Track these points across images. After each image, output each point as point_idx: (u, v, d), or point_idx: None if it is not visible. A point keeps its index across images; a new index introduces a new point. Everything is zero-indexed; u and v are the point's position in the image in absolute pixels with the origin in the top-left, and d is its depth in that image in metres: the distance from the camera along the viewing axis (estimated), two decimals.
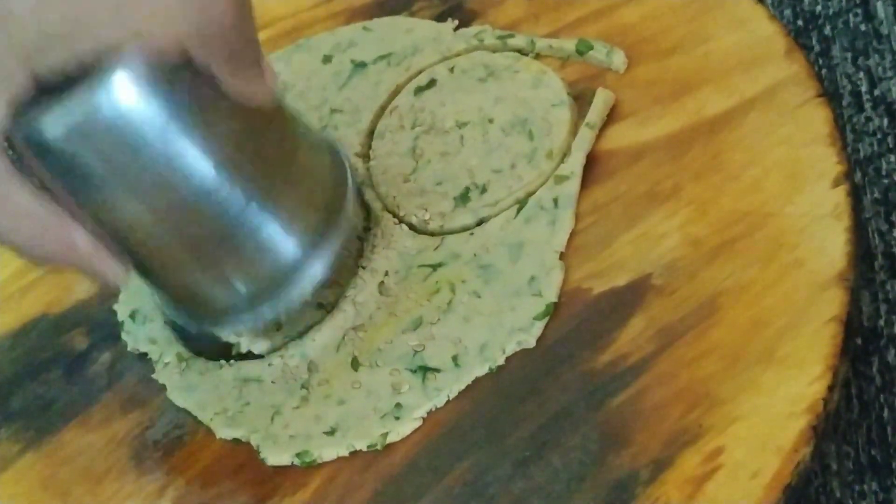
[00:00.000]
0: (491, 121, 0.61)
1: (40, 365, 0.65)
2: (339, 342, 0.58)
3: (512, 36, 0.65)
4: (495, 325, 0.55)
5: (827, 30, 0.72)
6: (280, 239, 0.57)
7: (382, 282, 0.59)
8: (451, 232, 0.59)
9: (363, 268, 0.59)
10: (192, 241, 0.55)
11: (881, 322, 0.61)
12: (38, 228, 0.51)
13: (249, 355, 0.60)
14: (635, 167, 0.58)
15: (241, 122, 0.53)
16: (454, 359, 0.55)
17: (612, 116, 0.60)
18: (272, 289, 0.57)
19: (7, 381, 0.65)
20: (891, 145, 0.67)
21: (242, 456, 0.57)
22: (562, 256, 0.56)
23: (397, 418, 0.55)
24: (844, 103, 0.69)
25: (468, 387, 0.54)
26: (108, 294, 0.65)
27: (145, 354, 0.62)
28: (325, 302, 0.59)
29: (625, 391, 0.51)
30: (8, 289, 0.69)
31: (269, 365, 0.59)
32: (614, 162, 0.58)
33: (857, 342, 0.61)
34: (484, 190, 0.59)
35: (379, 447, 0.54)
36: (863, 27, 0.71)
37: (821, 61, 0.71)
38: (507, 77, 0.63)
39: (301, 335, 0.59)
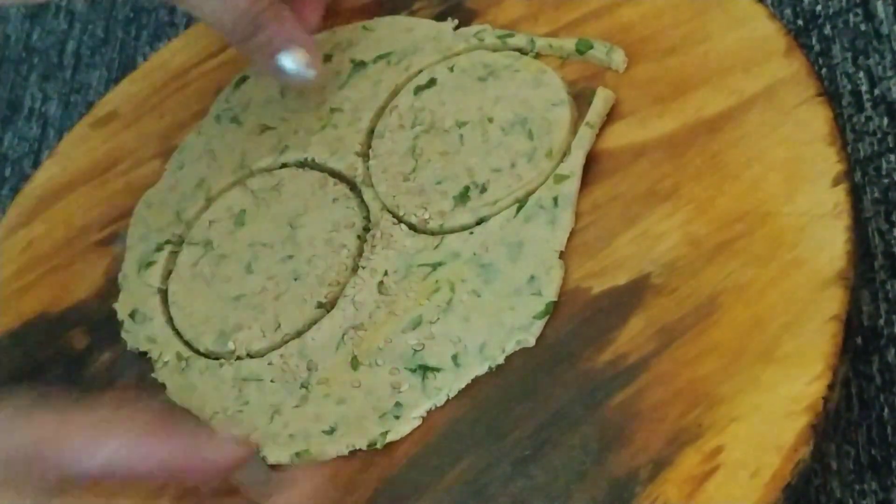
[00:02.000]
0: (491, 120, 0.61)
1: (40, 364, 0.65)
2: (338, 341, 0.58)
3: (512, 35, 0.65)
4: (495, 324, 0.55)
5: (827, 29, 0.72)
6: None
7: (382, 281, 0.59)
8: (451, 231, 0.59)
9: (363, 267, 0.59)
10: None
11: (881, 321, 0.61)
12: None
13: (249, 354, 0.60)
14: (635, 166, 0.58)
15: None
16: (454, 358, 0.55)
17: (611, 116, 0.60)
18: None
19: (6, 380, 0.65)
20: (891, 145, 0.67)
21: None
22: (561, 255, 0.56)
23: (397, 417, 0.54)
24: (844, 103, 0.69)
25: (468, 386, 0.54)
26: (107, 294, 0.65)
27: (145, 353, 0.62)
28: (324, 301, 0.59)
29: (624, 390, 0.51)
30: (7, 288, 0.69)
31: (269, 364, 0.59)
32: (614, 161, 0.58)
33: (857, 341, 0.61)
34: (483, 189, 0.59)
35: (378, 446, 0.54)
36: (863, 27, 0.71)
37: (821, 61, 0.71)
38: (507, 76, 0.63)
39: (300, 334, 0.59)
